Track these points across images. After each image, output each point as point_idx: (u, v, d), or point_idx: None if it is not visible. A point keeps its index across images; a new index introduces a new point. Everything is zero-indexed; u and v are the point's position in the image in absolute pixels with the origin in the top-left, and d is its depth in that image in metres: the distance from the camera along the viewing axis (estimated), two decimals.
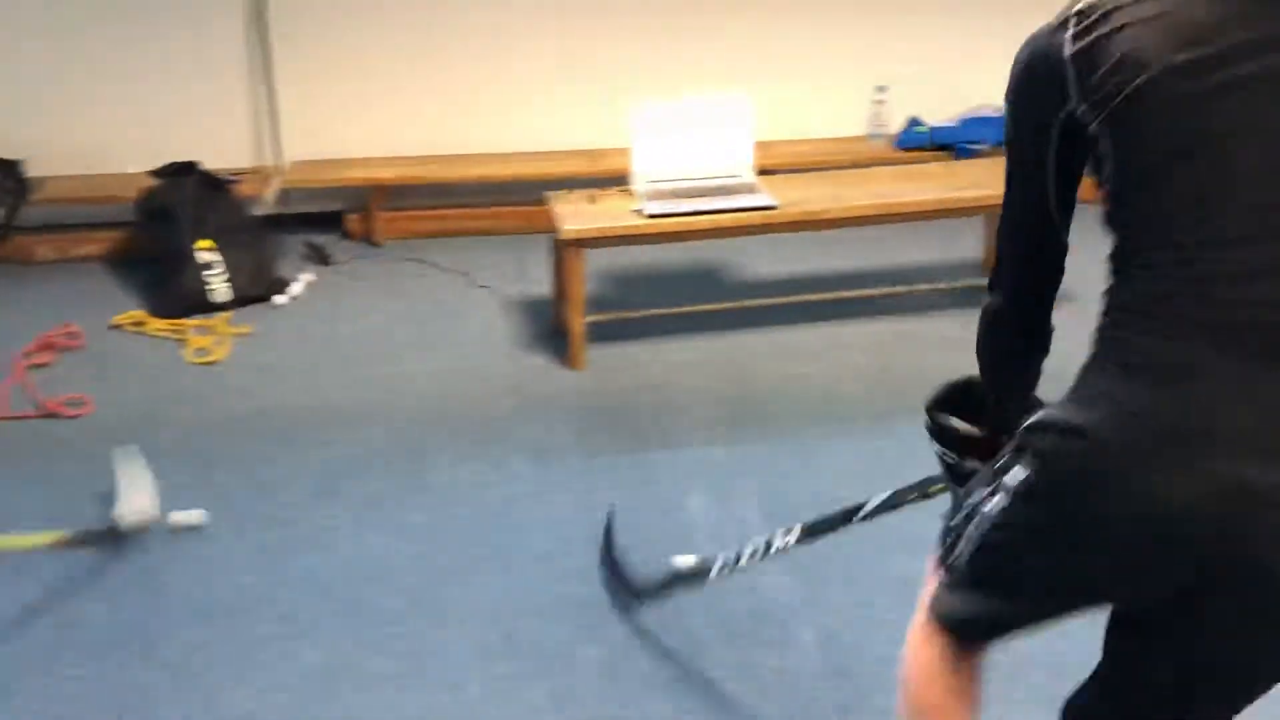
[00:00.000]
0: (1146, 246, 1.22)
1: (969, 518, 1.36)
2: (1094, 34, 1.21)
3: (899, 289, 3.75)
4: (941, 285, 3.78)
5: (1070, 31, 1.23)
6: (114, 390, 3.23)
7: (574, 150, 4.31)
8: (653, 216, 3.23)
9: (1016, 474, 1.29)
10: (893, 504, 1.79)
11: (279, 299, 3.78)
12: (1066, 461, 1.24)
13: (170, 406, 3.14)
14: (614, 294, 3.79)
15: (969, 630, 1.40)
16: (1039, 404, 1.35)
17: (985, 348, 1.42)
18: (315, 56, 4.14)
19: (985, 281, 1.45)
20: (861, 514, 1.84)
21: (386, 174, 4.20)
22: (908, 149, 4.34)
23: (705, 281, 3.91)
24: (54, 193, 4.06)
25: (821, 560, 2.31)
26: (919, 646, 1.43)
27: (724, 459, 2.86)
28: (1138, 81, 1.18)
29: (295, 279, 3.88)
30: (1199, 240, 1.18)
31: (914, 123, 4.40)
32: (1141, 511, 1.18)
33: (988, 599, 1.36)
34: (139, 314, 3.65)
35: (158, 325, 3.59)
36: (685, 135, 3.40)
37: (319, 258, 4.10)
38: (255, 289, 3.77)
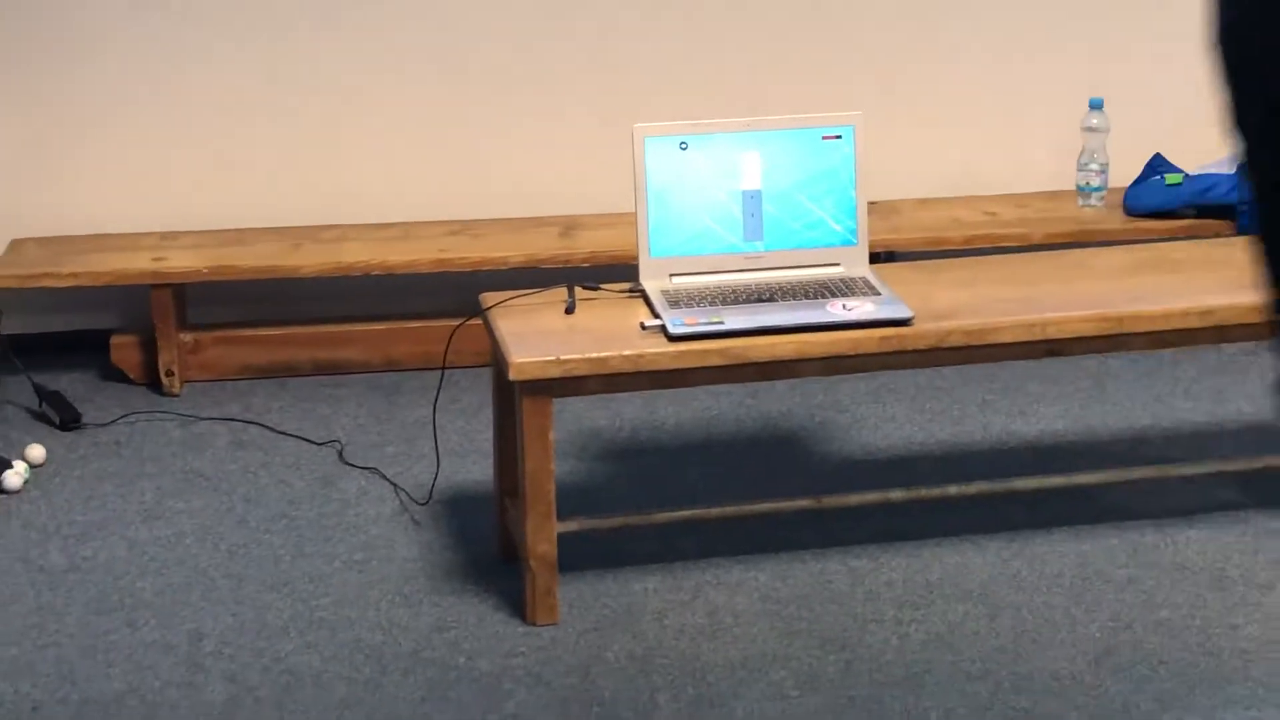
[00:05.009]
0: None
1: None
2: None
3: (1138, 473, 3.69)
4: (1225, 467, 3.69)
5: None
6: None
7: (531, 219, 4.37)
8: (678, 338, 3.17)
9: None
10: None
11: None
12: None
13: None
14: (607, 481, 3.79)
15: None
16: None
17: None
18: (58, 60, 4.23)
19: None
20: None
21: (185, 261, 4.16)
22: (1147, 215, 4.32)
23: (774, 458, 3.88)
24: None
25: None
26: None
27: None
28: None
29: (14, 458, 3.83)
30: None
31: (1157, 167, 4.37)
32: None
33: None
34: None
35: None
36: (739, 192, 3.36)
37: (60, 417, 4.06)
38: None
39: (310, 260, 4.13)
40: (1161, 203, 4.27)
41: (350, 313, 4.33)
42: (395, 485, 3.70)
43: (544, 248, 4.14)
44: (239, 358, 4.26)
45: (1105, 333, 3.25)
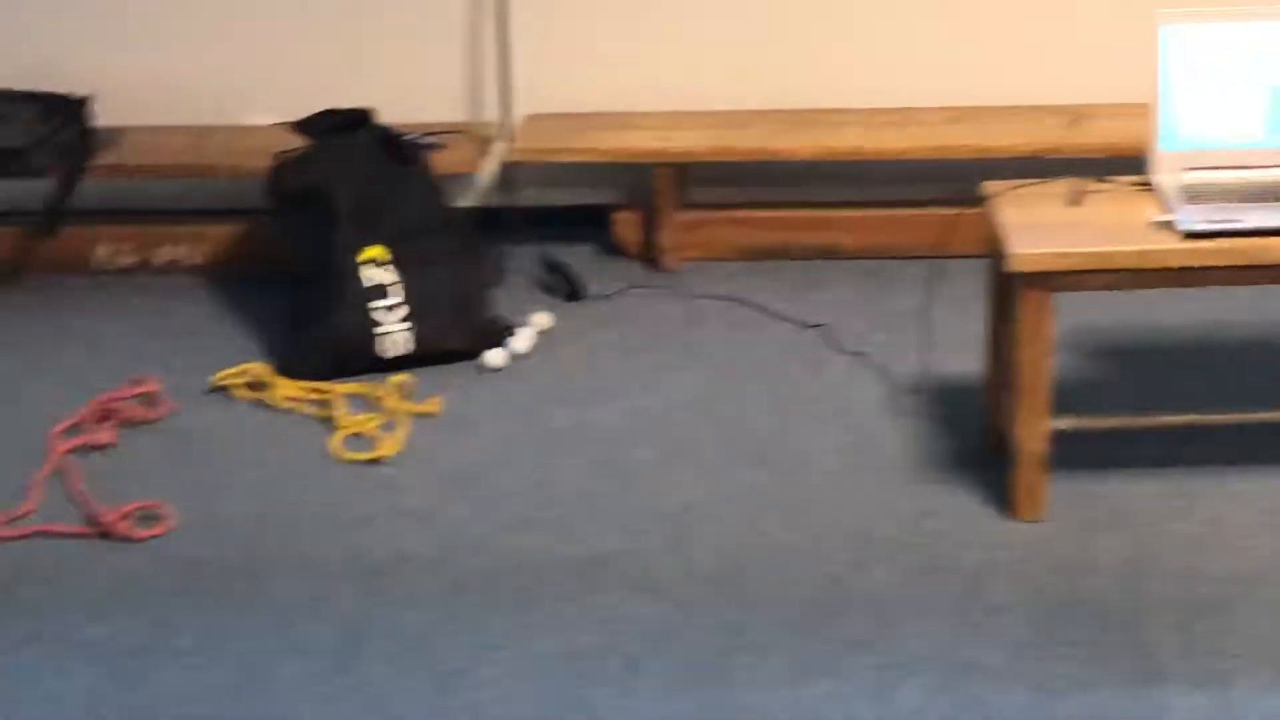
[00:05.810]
0: None
1: None
2: None
3: None
4: None
5: None
6: (208, 498, 3.38)
7: (1037, 106, 4.34)
8: (1194, 235, 3.12)
9: None
10: None
11: (493, 357, 3.85)
12: None
13: (294, 532, 3.28)
14: (1106, 379, 3.79)
15: None
16: None
17: None
18: None
19: None
20: None
21: (688, 142, 4.25)
22: None
23: None
24: (133, 155, 4.20)
25: None
26: None
27: None
28: None
29: (522, 324, 3.97)
30: None
31: None
32: None
33: None
34: (257, 368, 3.80)
35: (287, 390, 3.73)
36: (1269, 86, 3.30)
37: (565, 288, 4.20)
38: (454, 338, 3.87)
39: (806, 143, 4.16)
40: None
41: (844, 197, 4.36)
42: (883, 372, 3.73)
43: (1048, 138, 4.10)
44: (734, 238, 4.34)
45: None
